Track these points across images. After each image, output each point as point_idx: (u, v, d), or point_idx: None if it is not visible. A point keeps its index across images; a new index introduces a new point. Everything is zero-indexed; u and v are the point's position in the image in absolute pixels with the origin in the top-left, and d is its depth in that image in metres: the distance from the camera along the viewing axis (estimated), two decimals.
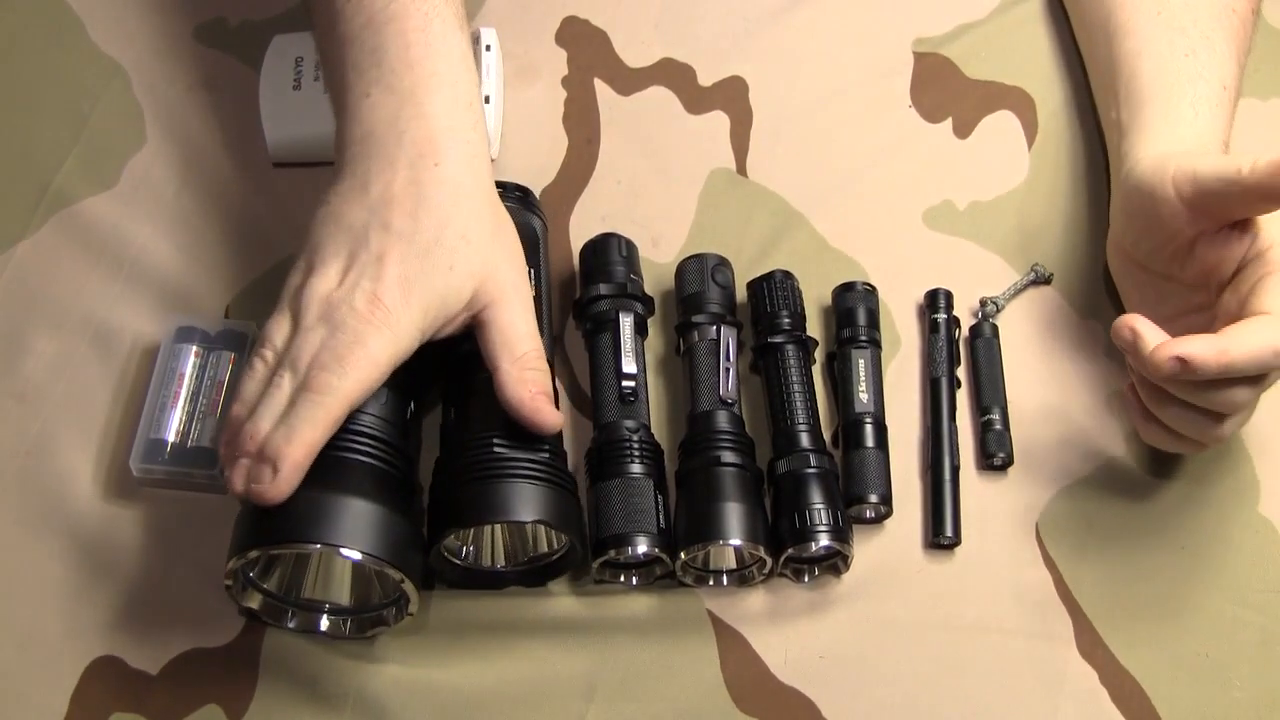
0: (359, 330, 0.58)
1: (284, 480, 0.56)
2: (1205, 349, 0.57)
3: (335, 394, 0.57)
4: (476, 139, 0.63)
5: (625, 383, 0.65)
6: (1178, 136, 0.67)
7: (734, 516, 0.62)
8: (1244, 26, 0.72)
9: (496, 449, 0.61)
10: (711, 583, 0.64)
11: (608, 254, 0.69)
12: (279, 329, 0.60)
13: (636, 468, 0.63)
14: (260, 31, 0.77)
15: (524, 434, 0.61)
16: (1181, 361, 0.57)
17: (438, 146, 0.62)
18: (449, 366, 0.65)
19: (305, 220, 0.72)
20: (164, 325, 0.68)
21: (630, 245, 0.70)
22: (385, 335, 0.58)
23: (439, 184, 0.61)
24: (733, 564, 0.64)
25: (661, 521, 0.62)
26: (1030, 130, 0.77)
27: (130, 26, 0.79)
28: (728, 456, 0.64)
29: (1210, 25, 0.70)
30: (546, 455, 0.61)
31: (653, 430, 0.67)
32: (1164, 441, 0.63)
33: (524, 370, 0.61)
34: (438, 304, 0.60)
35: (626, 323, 0.67)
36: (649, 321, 0.70)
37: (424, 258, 0.60)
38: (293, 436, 0.57)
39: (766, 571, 0.64)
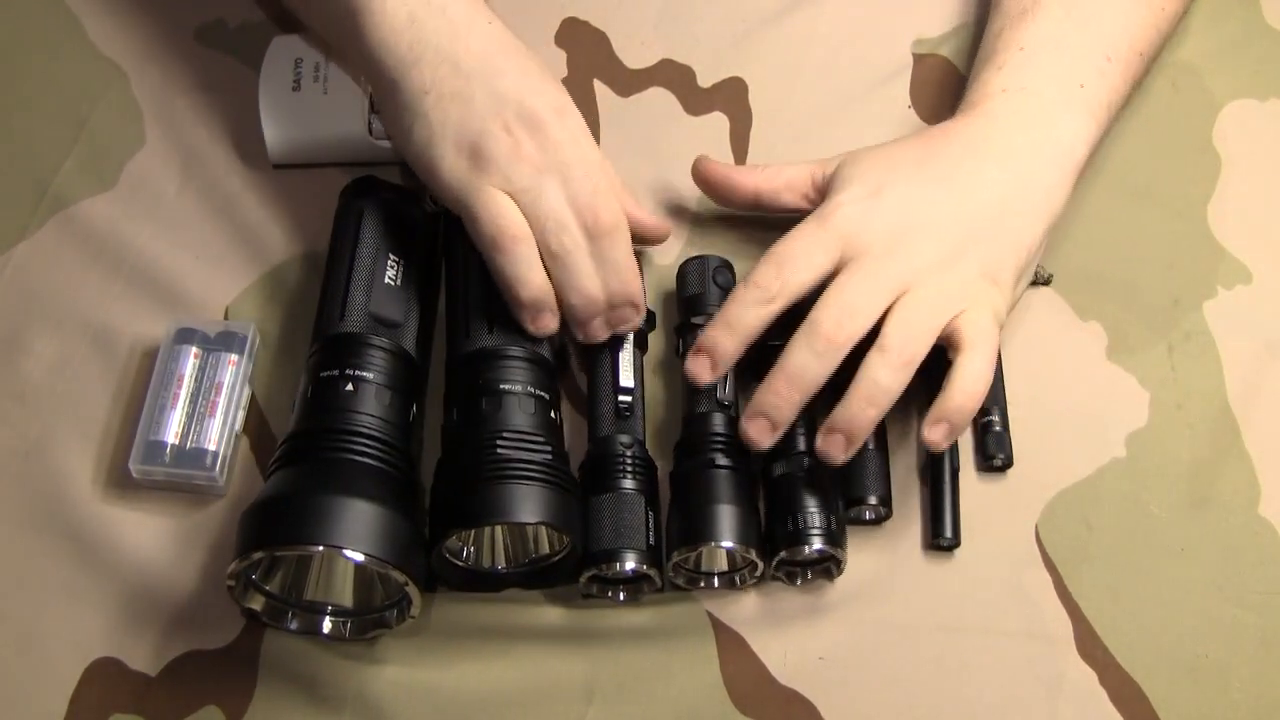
0: (591, 166, 0.64)
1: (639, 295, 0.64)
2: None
3: (616, 220, 0.63)
4: None
5: (622, 397, 0.65)
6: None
7: (727, 519, 0.62)
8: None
9: (499, 450, 0.61)
10: (703, 584, 0.64)
11: None
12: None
13: (629, 483, 0.63)
14: (260, 33, 0.77)
15: (526, 434, 0.61)
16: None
17: None
18: (456, 368, 0.65)
19: (306, 220, 0.73)
20: (164, 326, 0.68)
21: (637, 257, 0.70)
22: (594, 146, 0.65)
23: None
24: (725, 566, 0.64)
25: (651, 538, 0.62)
26: None
27: (130, 27, 0.79)
28: (722, 459, 0.64)
29: None
30: (549, 456, 0.61)
31: (650, 431, 0.67)
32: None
33: None
34: None
35: (628, 337, 0.67)
36: None
37: None
38: (622, 270, 0.63)
39: (758, 575, 0.64)
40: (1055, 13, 0.69)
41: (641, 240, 0.69)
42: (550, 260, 0.63)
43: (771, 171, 0.70)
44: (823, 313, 0.61)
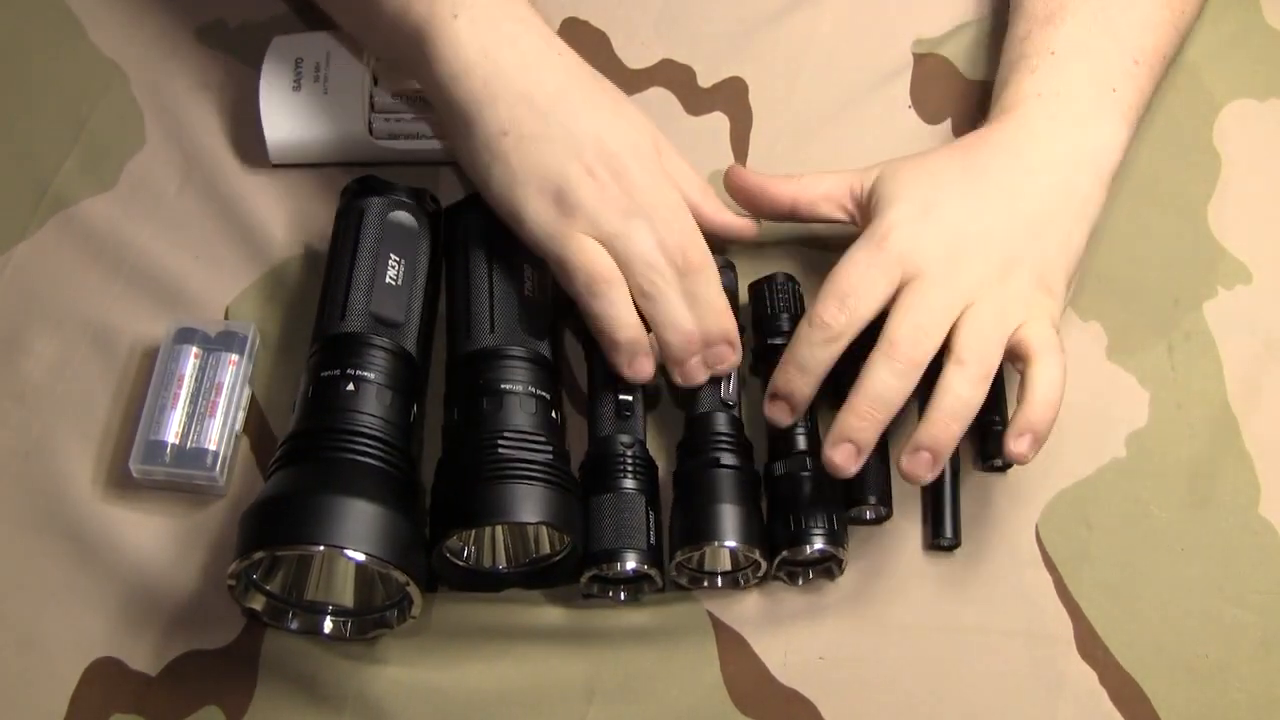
0: (676, 207, 0.64)
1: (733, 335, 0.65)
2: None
3: (705, 258, 0.64)
4: None
5: (623, 396, 0.65)
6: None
7: (730, 518, 0.62)
8: None
9: (500, 450, 0.61)
10: (706, 584, 0.64)
11: None
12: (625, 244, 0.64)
13: (629, 483, 0.63)
14: (260, 33, 0.77)
15: (527, 434, 0.61)
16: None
17: None
18: (457, 368, 0.65)
19: (305, 220, 0.73)
20: (164, 326, 0.68)
21: None
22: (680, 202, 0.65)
23: None
24: (727, 566, 0.64)
25: (652, 538, 0.62)
26: None
27: (130, 27, 0.79)
28: (725, 458, 0.64)
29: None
30: (549, 456, 0.61)
31: (653, 431, 0.67)
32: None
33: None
34: None
35: None
36: None
37: None
38: (716, 308, 0.64)
39: (761, 574, 0.64)
40: (1083, 16, 0.69)
41: (730, 239, 0.70)
42: (643, 301, 0.63)
43: (808, 182, 0.69)
44: (899, 333, 0.61)
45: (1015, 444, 0.60)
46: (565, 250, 0.63)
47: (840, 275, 0.63)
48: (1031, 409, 0.61)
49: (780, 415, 0.64)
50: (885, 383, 0.60)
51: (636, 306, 0.64)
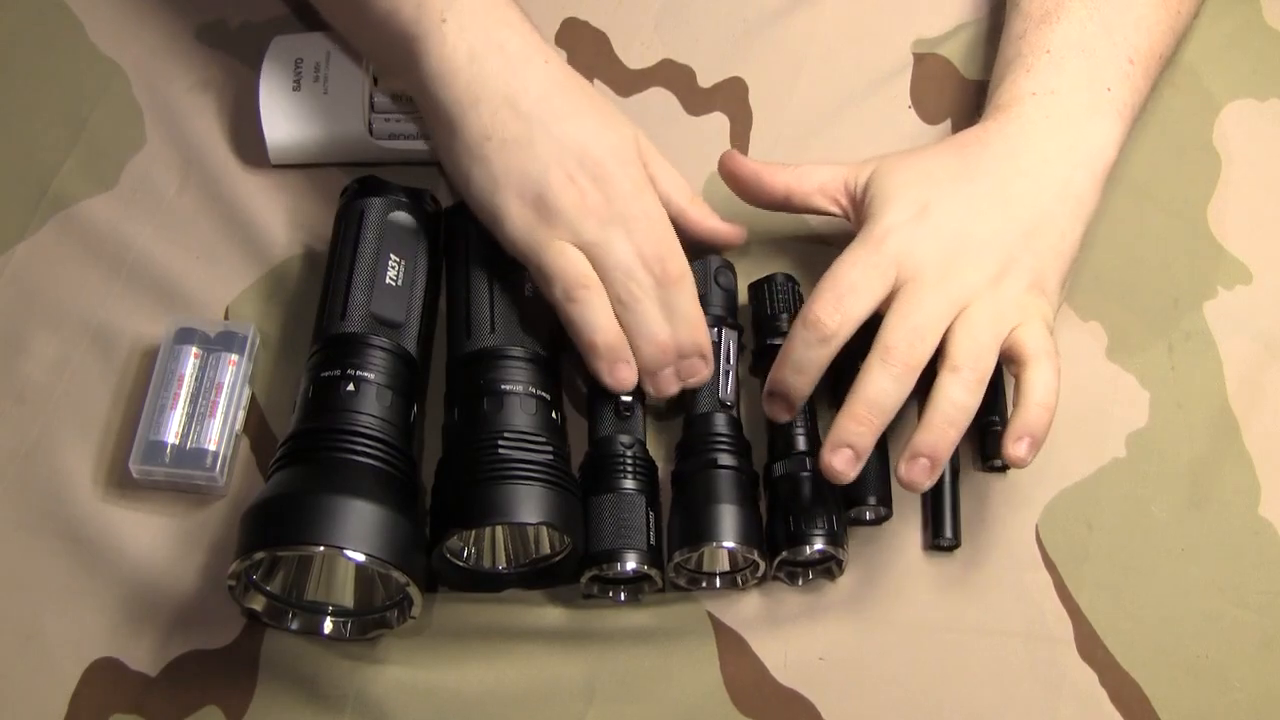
0: (657, 217, 0.65)
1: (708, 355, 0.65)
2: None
3: (683, 270, 0.64)
4: None
5: (622, 397, 0.65)
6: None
7: (728, 519, 0.62)
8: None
9: (500, 450, 0.61)
10: (704, 585, 0.64)
11: None
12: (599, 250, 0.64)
13: (629, 483, 0.63)
14: (260, 33, 0.77)
15: (527, 435, 0.61)
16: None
17: None
18: (457, 368, 0.65)
19: (305, 220, 0.73)
20: (164, 326, 0.68)
21: None
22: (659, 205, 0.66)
23: None
24: (726, 566, 0.64)
25: (652, 539, 0.62)
26: None
27: (130, 27, 0.79)
28: (724, 459, 0.64)
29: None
30: (550, 457, 0.61)
31: (650, 431, 0.67)
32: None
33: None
34: None
35: None
36: None
37: None
38: (691, 321, 0.64)
39: (760, 575, 0.64)
40: (1079, 16, 0.69)
41: (718, 245, 0.70)
42: (620, 310, 0.63)
43: (804, 172, 0.69)
44: (894, 337, 0.61)
45: (1013, 448, 0.60)
46: (544, 256, 0.63)
47: (835, 275, 0.63)
48: (1028, 413, 0.61)
49: (779, 413, 0.64)
50: (881, 388, 0.60)
51: (616, 314, 0.64)
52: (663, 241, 0.64)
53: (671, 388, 0.65)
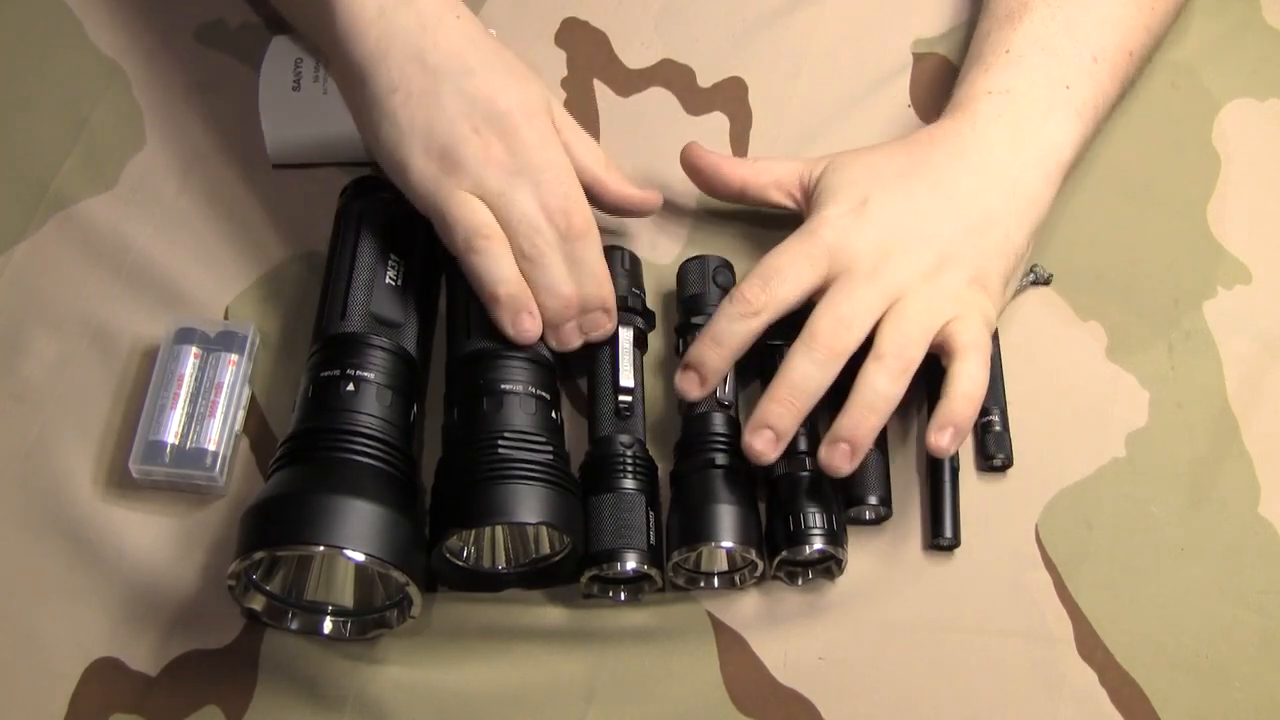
0: (563, 170, 0.64)
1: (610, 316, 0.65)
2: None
3: (588, 224, 0.64)
4: None
5: (622, 397, 0.65)
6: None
7: (727, 519, 0.62)
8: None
9: (499, 450, 0.61)
10: (703, 584, 0.64)
11: (610, 266, 0.69)
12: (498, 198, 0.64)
13: (629, 483, 0.63)
14: (260, 33, 0.77)
15: (526, 435, 0.61)
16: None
17: None
18: (457, 368, 0.65)
19: (305, 220, 0.73)
20: (164, 326, 0.68)
21: (634, 259, 0.70)
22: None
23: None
24: (725, 566, 0.64)
25: (652, 538, 0.62)
26: None
27: (130, 27, 0.79)
28: (722, 459, 0.64)
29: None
30: (549, 456, 0.61)
31: (650, 431, 0.67)
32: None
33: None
34: None
35: (626, 336, 0.67)
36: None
37: None
38: (596, 275, 0.64)
39: (758, 575, 0.64)
40: (1042, 15, 0.70)
41: (633, 212, 0.70)
42: (523, 263, 0.64)
43: (760, 166, 0.70)
44: (819, 324, 0.62)
45: (935, 437, 0.61)
46: (447, 206, 0.63)
47: (769, 259, 0.64)
48: (952, 403, 0.61)
49: (689, 387, 0.64)
50: (804, 372, 0.61)
51: (520, 267, 0.64)
52: (568, 196, 0.64)
53: (574, 341, 0.65)
